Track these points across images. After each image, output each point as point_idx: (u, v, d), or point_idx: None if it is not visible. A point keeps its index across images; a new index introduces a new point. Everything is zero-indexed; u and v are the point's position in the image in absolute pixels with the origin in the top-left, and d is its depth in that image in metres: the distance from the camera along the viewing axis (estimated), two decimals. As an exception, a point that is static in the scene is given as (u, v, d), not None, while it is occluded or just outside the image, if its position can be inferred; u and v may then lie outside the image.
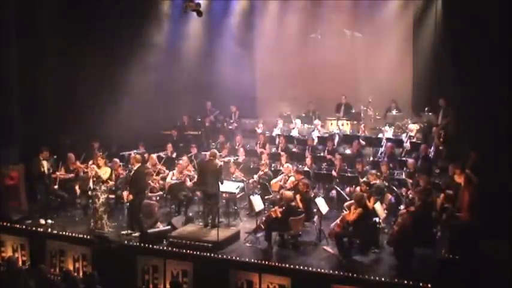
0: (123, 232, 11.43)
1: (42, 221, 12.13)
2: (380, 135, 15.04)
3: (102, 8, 15.15)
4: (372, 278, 9.36)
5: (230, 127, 17.07)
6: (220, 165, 11.77)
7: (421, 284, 9.00)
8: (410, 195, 11.29)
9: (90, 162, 12.45)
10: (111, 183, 12.07)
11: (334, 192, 12.89)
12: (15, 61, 13.92)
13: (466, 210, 10.08)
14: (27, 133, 13.87)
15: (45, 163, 12.32)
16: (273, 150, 14.91)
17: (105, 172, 11.93)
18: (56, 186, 12.78)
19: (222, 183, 11.64)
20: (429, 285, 8.94)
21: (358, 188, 11.63)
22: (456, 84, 13.70)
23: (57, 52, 14.70)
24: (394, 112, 15.99)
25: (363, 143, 14.65)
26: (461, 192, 10.30)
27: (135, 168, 11.59)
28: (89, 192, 11.91)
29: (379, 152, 14.31)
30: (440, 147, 14.06)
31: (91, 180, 12.00)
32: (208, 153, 12.33)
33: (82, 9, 14.95)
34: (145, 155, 13.64)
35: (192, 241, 10.79)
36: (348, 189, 12.63)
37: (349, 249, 10.38)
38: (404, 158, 13.41)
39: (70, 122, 14.90)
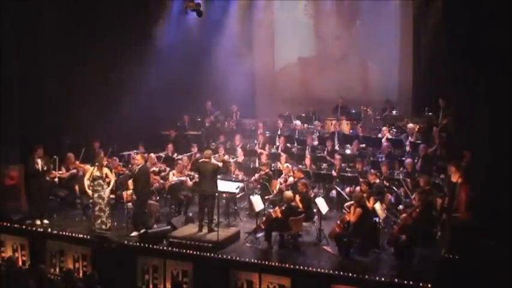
0: (133, 234, 11.38)
1: (38, 222, 12.09)
2: (379, 135, 15.05)
3: (102, 8, 15.15)
4: (372, 278, 9.35)
5: (230, 127, 17.07)
6: (218, 165, 11.75)
7: (421, 284, 8.98)
8: (412, 196, 11.31)
9: (92, 166, 12.38)
10: (112, 181, 12.07)
11: (334, 192, 12.91)
12: (15, 61, 13.91)
13: (464, 210, 10.07)
14: (27, 133, 13.86)
15: (39, 161, 12.21)
16: (273, 150, 14.91)
17: (106, 173, 11.92)
18: (54, 186, 12.79)
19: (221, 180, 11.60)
20: (429, 285, 8.94)
21: (358, 188, 11.64)
22: (456, 84, 13.69)
23: (57, 52, 14.69)
24: (393, 112, 15.99)
25: (363, 145, 14.67)
26: (458, 191, 10.29)
27: (137, 168, 11.60)
28: (90, 193, 11.86)
29: (379, 152, 14.33)
30: (440, 148, 14.06)
31: (88, 180, 11.96)
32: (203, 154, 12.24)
33: (82, 10, 14.94)
34: (145, 155, 13.64)
35: (192, 241, 10.79)
36: (348, 189, 12.63)
37: (349, 249, 10.38)
38: (403, 158, 13.42)
39: (70, 122, 14.90)
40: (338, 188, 12.75)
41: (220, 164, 12.39)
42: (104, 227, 11.61)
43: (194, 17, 15.68)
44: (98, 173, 11.77)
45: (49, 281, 9.30)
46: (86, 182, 11.92)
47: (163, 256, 10.59)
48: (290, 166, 12.96)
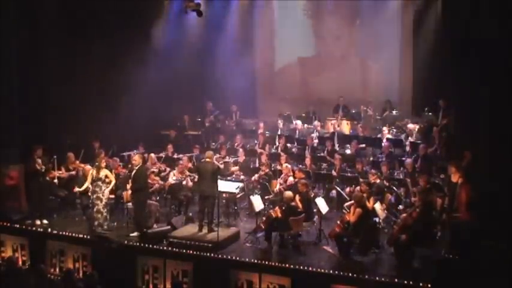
0: (133, 234, 11.37)
1: (37, 222, 12.09)
2: (379, 135, 15.05)
3: (102, 8, 15.15)
4: (372, 278, 9.35)
5: (230, 127, 17.06)
6: (218, 166, 11.74)
7: (421, 284, 8.99)
8: (412, 197, 11.32)
9: (91, 166, 12.37)
10: (113, 183, 12.05)
11: (334, 192, 12.91)
12: (16, 61, 13.91)
13: (464, 210, 10.08)
14: (27, 133, 13.85)
15: (39, 161, 12.19)
16: (273, 150, 14.91)
17: (105, 175, 11.91)
18: (54, 186, 12.80)
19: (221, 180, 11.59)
20: (429, 285, 8.94)
21: (358, 188, 11.64)
22: (456, 84, 13.70)
23: (57, 52, 14.69)
24: (393, 112, 16.00)
25: (363, 145, 14.68)
26: (458, 192, 10.30)
27: (136, 168, 11.61)
28: (89, 194, 11.86)
29: (379, 152, 14.34)
30: (440, 148, 14.06)
31: (88, 182, 11.95)
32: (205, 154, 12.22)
33: (82, 9, 14.94)
34: (145, 155, 13.64)
35: (192, 241, 10.79)
36: (348, 189, 12.63)
37: (349, 249, 10.38)
38: (403, 158, 13.43)
39: (70, 122, 14.90)
40: (338, 188, 12.75)
41: (222, 165, 12.41)
42: (100, 228, 11.60)
43: (194, 17, 15.65)
44: (96, 174, 11.78)
45: (49, 281, 9.30)
46: (87, 185, 11.94)
47: (163, 256, 10.59)
48: (290, 166, 12.96)
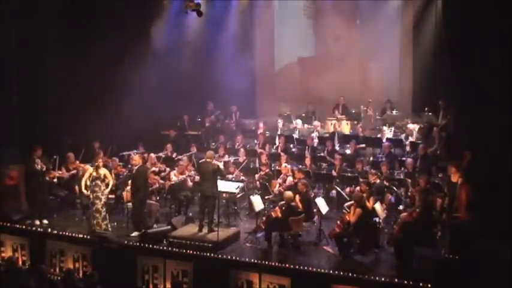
0: (133, 234, 11.37)
1: (37, 222, 12.07)
2: (379, 135, 15.06)
3: (102, 8, 15.15)
4: (372, 278, 9.36)
5: (230, 127, 17.06)
6: (218, 166, 11.74)
7: (421, 284, 8.99)
8: (410, 194, 11.33)
9: (91, 166, 12.36)
10: (111, 182, 12.04)
11: (334, 192, 12.91)
12: (16, 61, 13.91)
13: (464, 210, 10.08)
14: (27, 133, 13.86)
15: (39, 161, 12.17)
16: (273, 150, 14.91)
17: (104, 174, 11.89)
18: (54, 186, 12.80)
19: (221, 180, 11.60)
20: (429, 285, 8.94)
21: (358, 188, 11.63)
22: (456, 84, 13.70)
23: (57, 52, 14.70)
24: (393, 112, 16.00)
25: (363, 145, 14.68)
26: (458, 192, 10.30)
27: (136, 168, 11.60)
28: (88, 193, 11.84)
29: (379, 152, 14.35)
30: (440, 148, 14.07)
31: (87, 180, 11.93)
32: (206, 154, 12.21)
33: (82, 9, 14.94)
34: (145, 155, 13.64)
35: (192, 241, 10.79)
36: (348, 189, 12.63)
37: (349, 249, 10.38)
38: (403, 158, 13.44)
39: (70, 122, 14.90)
40: (338, 188, 12.75)
41: (221, 165, 12.39)
42: (98, 228, 11.59)
43: (194, 17, 15.66)
44: (95, 174, 11.78)
45: (49, 281, 9.30)
46: (83, 183, 11.91)
47: (163, 256, 10.59)
48: (289, 166, 12.95)
